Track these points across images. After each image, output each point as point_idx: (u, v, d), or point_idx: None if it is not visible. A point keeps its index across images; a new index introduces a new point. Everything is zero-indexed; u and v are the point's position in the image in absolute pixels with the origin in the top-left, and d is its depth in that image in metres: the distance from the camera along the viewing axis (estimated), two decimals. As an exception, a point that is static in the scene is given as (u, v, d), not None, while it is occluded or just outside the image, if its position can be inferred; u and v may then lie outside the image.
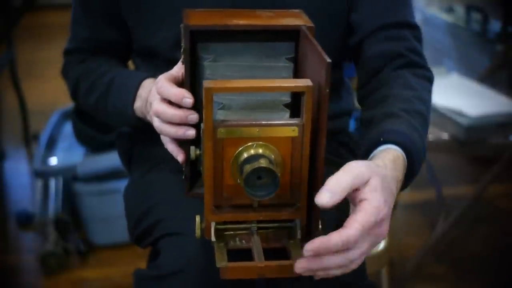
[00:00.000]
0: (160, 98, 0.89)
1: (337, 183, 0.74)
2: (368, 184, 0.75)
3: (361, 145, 0.92)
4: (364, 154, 0.88)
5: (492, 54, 2.69)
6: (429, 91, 1.01)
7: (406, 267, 1.95)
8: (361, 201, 0.75)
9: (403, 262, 2.01)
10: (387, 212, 0.76)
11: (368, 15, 1.02)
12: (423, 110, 0.94)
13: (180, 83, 0.89)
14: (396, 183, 0.82)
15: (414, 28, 1.04)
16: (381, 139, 0.86)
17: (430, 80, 1.03)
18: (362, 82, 1.04)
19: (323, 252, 0.74)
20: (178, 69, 0.89)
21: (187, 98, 0.86)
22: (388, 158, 0.83)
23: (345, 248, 0.74)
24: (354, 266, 0.77)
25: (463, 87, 1.96)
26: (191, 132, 0.87)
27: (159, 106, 0.88)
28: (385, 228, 0.77)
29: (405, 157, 0.86)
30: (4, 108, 2.65)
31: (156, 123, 0.90)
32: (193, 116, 0.87)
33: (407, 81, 0.98)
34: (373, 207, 0.74)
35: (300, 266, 0.76)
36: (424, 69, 1.03)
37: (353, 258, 0.76)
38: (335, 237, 0.73)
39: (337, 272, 0.77)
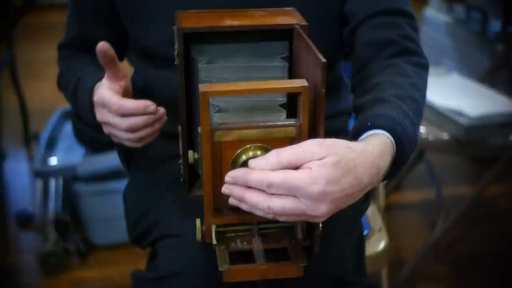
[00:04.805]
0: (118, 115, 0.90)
1: (276, 155, 0.73)
2: (320, 159, 0.72)
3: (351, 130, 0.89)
4: (351, 139, 0.83)
5: (492, 54, 2.68)
6: (424, 79, 0.98)
7: (406, 267, 1.95)
8: (305, 167, 0.73)
9: (403, 262, 2.01)
10: (330, 192, 0.72)
11: (360, 3, 1.00)
12: (417, 97, 0.91)
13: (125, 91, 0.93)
14: (372, 170, 0.76)
15: (408, 16, 1.02)
16: (369, 124, 0.83)
17: (425, 67, 0.99)
18: (354, 70, 1.02)
19: (241, 182, 0.74)
20: (111, 78, 0.92)
21: (150, 105, 0.88)
22: (373, 143, 0.79)
23: (262, 187, 0.73)
24: (272, 216, 0.74)
25: (463, 87, 1.96)
26: (162, 110, 0.91)
27: (127, 122, 0.89)
28: (321, 208, 0.72)
29: (394, 143, 0.82)
30: (4, 108, 2.64)
31: (130, 136, 0.92)
32: (158, 110, 0.90)
33: (400, 68, 0.95)
34: (309, 176, 0.71)
35: (223, 188, 0.76)
36: (419, 56, 0.99)
37: (273, 206, 0.73)
38: (256, 172, 0.73)
39: (260, 212, 0.75)
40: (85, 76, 1.02)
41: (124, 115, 0.89)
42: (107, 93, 0.90)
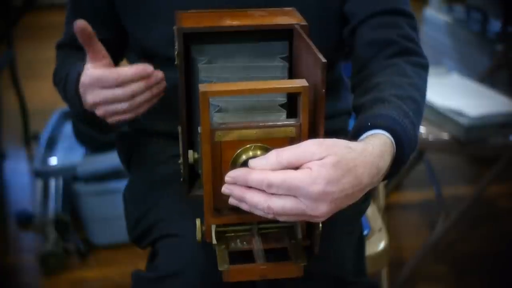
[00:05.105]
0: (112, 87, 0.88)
1: (276, 155, 0.73)
2: (320, 159, 0.72)
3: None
4: (351, 139, 0.82)
5: (492, 54, 2.68)
6: (424, 79, 0.98)
7: (406, 267, 1.95)
8: (305, 167, 0.73)
9: (403, 262, 2.01)
10: (330, 192, 0.72)
11: (360, 3, 1.01)
12: (417, 97, 0.91)
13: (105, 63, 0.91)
14: (372, 170, 0.77)
15: (408, 16, 1.02)
16: (369, 124, 0.83)
17: (425, 67, 0.99)
18: (354, 70, 1.02)
19: (241, 182, 0.74)
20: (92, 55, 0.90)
21: (148, 67, 0.87)
22: (373, 143, 0.79)
23: (262, 187, 0.73)
24: (272, 216, 0.75)
25: (463, 87, 1.96)
26: (159, 74, 0.89)
27: (130, 89, 0.88)
28: (321, 208, 0.72)
29: (394, 143, 0.82)
30: (4, 108, 2.64)
31: (132, 102, 0.89)
32: (157, 73, 0.89)
33: (400, 68, 0.95)
34: (309, 176, 0.71)
35: (223, 188, 0.76)
36: (419, 56, 1.00)
37: (273, 206, 0.73)
38: (256, 172, 0.73)
39: (260, 212, 0.75)
40: (73, 68, 1.01)
41: (124, 83, 0.87)
42: (96, 70, 0.89)
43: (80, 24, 0.88)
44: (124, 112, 0.90)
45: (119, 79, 0.87)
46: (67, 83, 1.02)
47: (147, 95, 0.89)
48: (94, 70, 0.89)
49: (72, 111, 1.09)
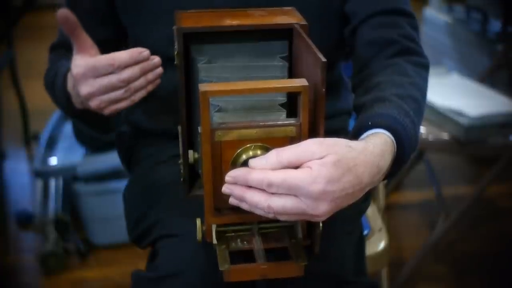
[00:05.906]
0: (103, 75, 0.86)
1: (276, 155, 0.73)
2: (321, 158, 0.72)
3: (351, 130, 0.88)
4: (352, 138, 0.82)
5: (492, 54, 2.69)
6: (425, 79, 0.98)
7: (406, 267, 1.95)
8: (305, 166, 0.72)
9: (403, 262, 2.01)
10: (331, 191, 0.72)
11: (361, 3, 1.01)
12: (417, 96, 0.91)
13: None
14: (372, 169, 0.76)
15: (409, 16, 1.02)
16: (370, 123, 0.83)
17: (425, 67, 0.99)
18: (355, 70, 1.02)
19: (242, 182, 0.74)
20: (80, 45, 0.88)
21: (144, 50, 0.85)
22: (373, 142, 0.79)
23: (262, 186, 0.73)
24: (272, 215, 0.74)
25: (463, 87, 1.96)
26: (156, 59, 0.87)
27: (125, 74, 0.85)
28: (321, 207, 0.72)
29: (394, 142, 0.82)
30: (4, 108, 2.64)
31: (129, 88, 0.87)
32: (153, 58, 0.87)
33: (401, 68, 0.95)
34: (309, 175, 0.71)
35: (224, 188, 0.76)
36: (420, 56, 1.00)
37: (273, 205, 0.73)
38: (256, 172, 0.73)
39: (260, 212, 0.75)
40: (61, 66, 1.00)
41: (120, 67, 0.85)
42: (89, 59, 0.87)
43: (63, 12, 0.85)
44: (119, 100, 0.88)
45: (115, 64, 0.85)
46: (56, 78, 1.00)
47: (142, 81, 0.87)
48: (87, 59, 0.87)
49: (61, 108, 1.07)
